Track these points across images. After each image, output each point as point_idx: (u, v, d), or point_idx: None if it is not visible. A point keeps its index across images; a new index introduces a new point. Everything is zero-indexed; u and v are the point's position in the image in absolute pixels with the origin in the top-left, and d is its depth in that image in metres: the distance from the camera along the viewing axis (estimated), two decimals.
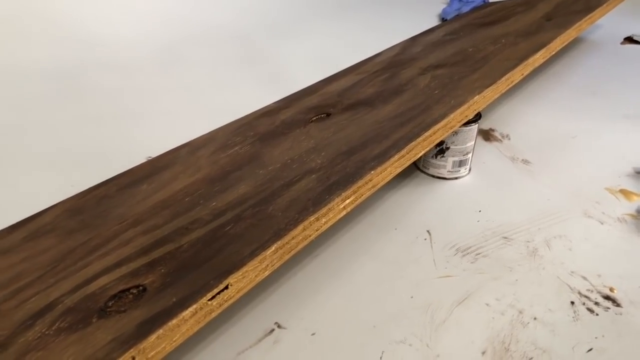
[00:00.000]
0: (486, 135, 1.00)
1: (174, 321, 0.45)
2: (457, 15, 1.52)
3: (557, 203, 0.84)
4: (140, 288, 0.50)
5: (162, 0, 1.43)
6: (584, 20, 1.13)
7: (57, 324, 0.46)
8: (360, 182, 0.62)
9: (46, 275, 0.54)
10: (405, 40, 1.23)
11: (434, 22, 1.57)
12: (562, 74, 1.28)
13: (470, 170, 0.90)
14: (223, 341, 0.60)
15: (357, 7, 1.70)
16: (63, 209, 0.67)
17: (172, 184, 0.70)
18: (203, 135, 0.83)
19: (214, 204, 0.63)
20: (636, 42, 1.46)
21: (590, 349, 0.60)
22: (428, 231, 0.77)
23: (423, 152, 0.72)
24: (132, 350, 0.42)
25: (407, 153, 0.68)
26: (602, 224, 0.80)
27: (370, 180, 0.63)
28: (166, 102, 1.10)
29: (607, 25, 1.55)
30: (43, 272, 0.54)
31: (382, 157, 0.66)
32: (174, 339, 0.45)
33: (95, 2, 1.32)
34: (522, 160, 0.94)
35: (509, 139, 1.00)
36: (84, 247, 0.58)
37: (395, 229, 0.78)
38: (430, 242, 0.75)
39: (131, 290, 0.49)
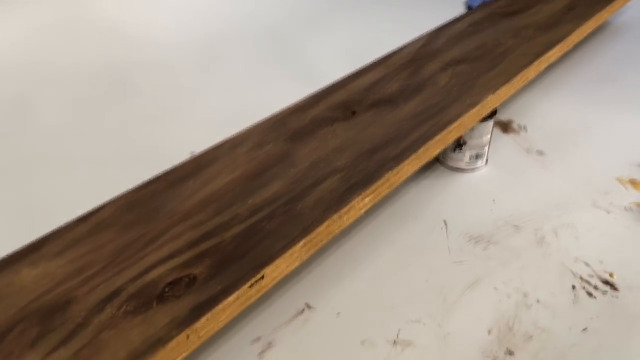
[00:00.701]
0: (504, 127, 1.06)
1: (220, 306, 0.54)
2: (484, 2, 1.55)
3: (567, 193, 0.90)
4: (191, 277, 0.59)
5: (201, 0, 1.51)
6: (604, 10, 1.17)
7: (124, 308, 0.56)
8: (379, 182, 0.70)
9: (110, 265, 0.64)
10: (430, 32, 1.28)
11: (460, 9, 1.61)
12: (584, 61, 1.32)
13: (487, 161, 0.97)
14: (261, 319, 0.70)
15: None
16: (120, 204, 0.76)
17: (214, 180, 0.78)
18: (241, 132, 0.91)
19: (251, 200, 0.72)
20: None
21: (585, 329, 0.68)
22: (444, 221, 0.85)
23: (438, 152, 0.79)
24: (187, 330, 0.52)
25: (423, 153, 0.76)
26: (608, 213, 0.86)
27: (388, 180, 0.71)
28: (206, 99, 1.19)
29: (635, 7, 1.57)
30: (107, 262, 0.64)
31: (399, 158, 0.74)
32: (220, 320, 0.55)
33: (138, 5, 1.42)
34: (537, 151, 1.00)
35: (526, 130, 1.06)
36: (141, 240, 0.67)
37: (415, 219, 0.85)
38: (446, 231, 0.83)
39: (183, 279, 0.59)
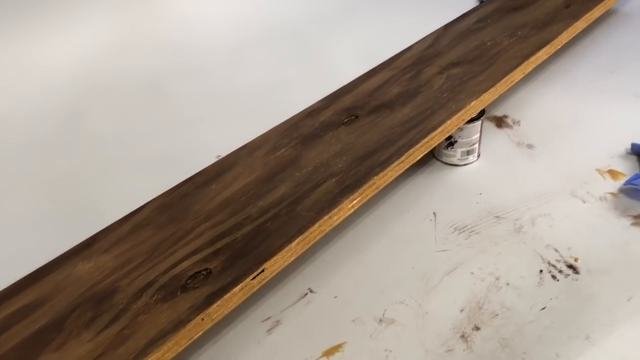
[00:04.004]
0: (499, 122, 1.16)
1: (228, 295, 0.69)
2: None
3: (549, 184, 1.00)
4: (208, 271, 0.74)
5: (229, 3, 1.64)
6: (596, 8, 1.24)
7: (155, 296, 0.71)
8: (366, 186, 0.83)
9: (146, 260, 0.79)
10: (439, 29, 1.37)
11: (473, 1, 1.68)
12: (586, 51, 1.39)
13: (479, 156, 1.08)
14: (271, 302, 0.84)
15: None
16: (155, 205, 0.91)
17: (233, 183, 0.92)
18: (259, 137, 1.04)
19: (261, 203, 0.85)
20: None
21: (544, 308, 0.79)
22: (434, 213, 0.97)
23: (421, 156, 0.91)
24: (201, 314, 0.67)
25: (407, 158, 0.88)
26: (584, 202, 0.96)
27: (374, 184, 0.84)
28: (233, 103, 1.33)
29: None
30: (144, 257, 0.79)
31: (385, 164, 0.86)
32: (229, 306, 0.69)
33: (175, 15, 1.56)
34: (527, 145, 1.10)
35: (519, 124, 1.15)
36: (171, 239, 0.82)
37: (408, 212, 0.98)
38: (435, 222, 0.95)
39: (202, 272, 0.74)
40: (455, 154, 1.05)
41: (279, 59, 1.51)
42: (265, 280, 0.73)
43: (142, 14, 1.53)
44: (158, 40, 1.52)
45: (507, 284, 0.83)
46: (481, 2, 1.69)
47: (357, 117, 1.04)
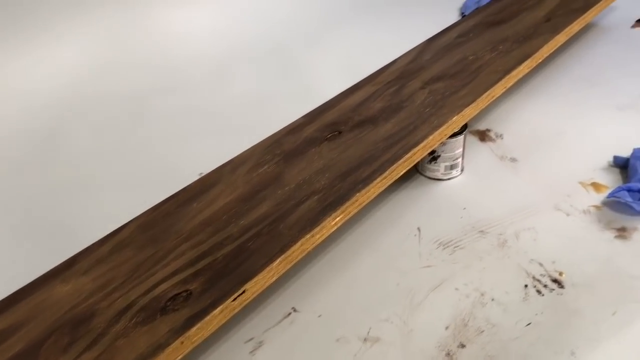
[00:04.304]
0: (482, 135, 1.16)
1: (208, 317, 0.68)
2: (477, 8, 1.63)
3: (533, 198, 1.00)
4: (188, 292, 0.73)
5: (213, 20, 1.64)
6: (576, 22, 1.25)
7: (134, 319, 0.70)
8: (348, 203, 0.82)
9: (126, 282, 0.77)
10: (421, 44, 1.37)
11: (455, 16, 1.70)
12: (567, 64, 1.40)
13: (462, 170, 1.07)
14: (254, 322, 0.83)
15: (385, 3, 1.85)
16: (136, 225, 0.90)
17: (215, 202, 0.91)
18: (242, 153, 1.03)
19: (242, 221, 0.84)
20: None
21: (529, 323, 0.79)
22: (418, 228, 0.96)
23: (404, 171, 0.91)
24: (181, 337, 0.65)
25: (390, 174, 0.87)
26: (568, 215, 0.96)
27: (357, 201, 0.83)
28: (216, 120, 1.32)
29: (622, 7, 1.63)
30: (124, 279, 0.78)
31: (367, 180, 0.86)
32: (209, 329, 0.68)
33: (156, 32, 1.55)
34: (510, 158, 1.10)
35: (502, 138, 1.15)
36: (151, 259, 0.81)
37: (392, 228, 0.97)
38: (419, 237, 0.94)
39: (182, 294, 0.72)
40: (439, 169, 1.04)
41: (262, 75, 1.51)
42: (247, 301, 0.72)
43: (124, 31, 1.52)
44: (139, 57, 1.52)
45: (492, 299, 0.83)
46: (463, 15, 1.70)
47: (340, 132, 1.03)
